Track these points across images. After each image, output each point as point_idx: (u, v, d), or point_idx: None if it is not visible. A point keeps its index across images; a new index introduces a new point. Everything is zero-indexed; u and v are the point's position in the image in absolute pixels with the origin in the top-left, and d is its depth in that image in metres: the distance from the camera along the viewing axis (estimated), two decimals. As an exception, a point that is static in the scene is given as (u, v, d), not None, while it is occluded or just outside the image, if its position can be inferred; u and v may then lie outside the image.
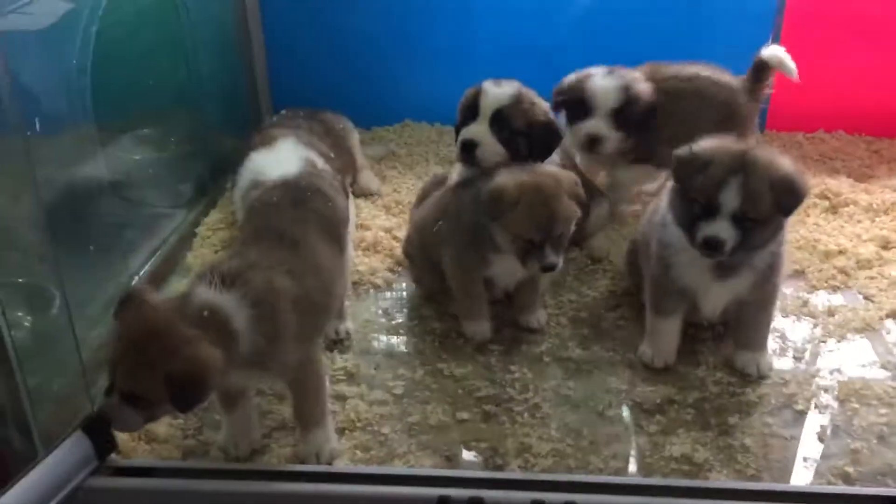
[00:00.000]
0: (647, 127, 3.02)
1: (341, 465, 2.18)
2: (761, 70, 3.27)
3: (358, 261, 3.09)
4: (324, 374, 2.22)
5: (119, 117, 2.91)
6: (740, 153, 2.22)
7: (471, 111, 2.77)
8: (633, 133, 3.04)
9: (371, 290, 3.00)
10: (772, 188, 2.18)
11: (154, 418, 1.94)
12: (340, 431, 2.29)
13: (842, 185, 3.58)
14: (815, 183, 3.49)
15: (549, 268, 2.46)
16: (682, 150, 2.32)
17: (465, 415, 2.36)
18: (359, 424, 2.33)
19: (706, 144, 2.31)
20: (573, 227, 2.53)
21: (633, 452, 2.23)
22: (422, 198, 3.09)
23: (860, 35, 3.96)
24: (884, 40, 3.97)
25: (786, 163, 2.25)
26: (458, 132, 2.82)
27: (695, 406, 2.38)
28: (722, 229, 2.20)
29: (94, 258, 2.57)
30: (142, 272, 2.84)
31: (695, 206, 2.25)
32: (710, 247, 2.21)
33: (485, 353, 2.64)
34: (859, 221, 3.33)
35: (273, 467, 2.16)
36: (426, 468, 2.16)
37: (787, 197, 2.21)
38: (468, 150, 2.73)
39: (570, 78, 3.09)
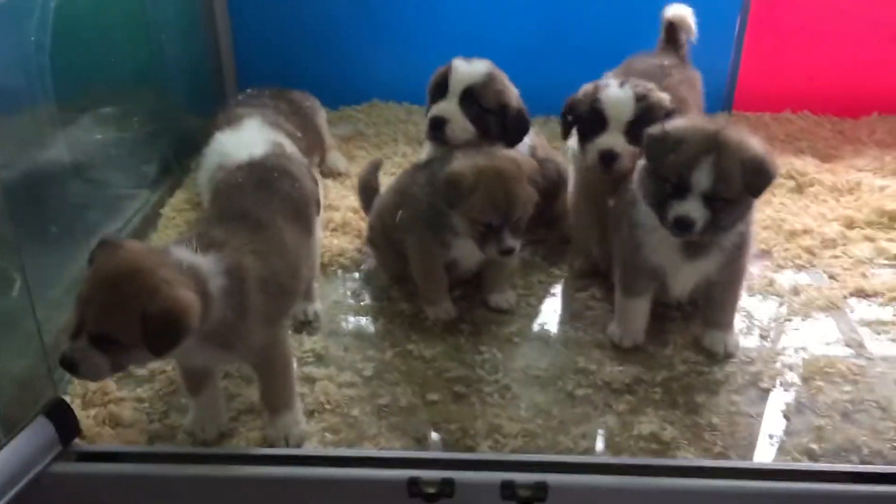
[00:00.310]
0: None
1: (310, 448, 2.16)
2: (674, 31, 3.26)
3: (326, 241, 3.05)
4: (290, 357, 2.19)
5: (80, 96, 2.84)
6: (712, 133, 2.23)
7: (440, 89, 2.74)
8: None
9: (339, 271, 2.97)
10: (742, 168, 2.19)
11: (121, 366, 1.85)
12: (309, 414, 2.27)
13: (807, 165, 3.62)
14: (782, 163, 3.48)
15: (507, 251, 2.45)
16: (654, 129, 2.32)
17: (434, 396, 2.35)
18: (328, 407, 2.31)
19: (678, 123, 2.31)
20: (531, 211, 2.51)
21: (602, 432, 2.24)
22: (363, 186, 3.09)
23: (826, 16, 4.00)
24: (849, 21, 4.01)
25: (756, 143, 2.26)
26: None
27: (663, 385, 2.39)
28: (693, 209, 2.20)
29: (55, 240, 2.51)
30: (105, 254, 2.78)
31: (666, 185, 2.25)
32: (681, 226, 2.22)
33: (454, 333, 2.63)
34: (824, 201, 3.37)
35: (241, 451, 2.14)
36: (396, 450, 2.15)
37: (757, 177, 2.22)
38: (438, 128, 2.71)
39: (582, 90, 2.72)
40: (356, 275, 2.96)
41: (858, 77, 4.09)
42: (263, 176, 2.32)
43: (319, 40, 4.12)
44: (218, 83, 4.12)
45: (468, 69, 2.72)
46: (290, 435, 2.15)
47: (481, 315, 2.72)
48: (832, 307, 2.75)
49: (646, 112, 2.57)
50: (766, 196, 3.12)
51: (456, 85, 2.71)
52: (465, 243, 2.56)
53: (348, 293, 2.86)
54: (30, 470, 1.94)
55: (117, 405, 2.30)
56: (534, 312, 2.75)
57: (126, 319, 1.74)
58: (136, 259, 1.81)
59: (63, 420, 2.04)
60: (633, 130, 2.55)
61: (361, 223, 3.17)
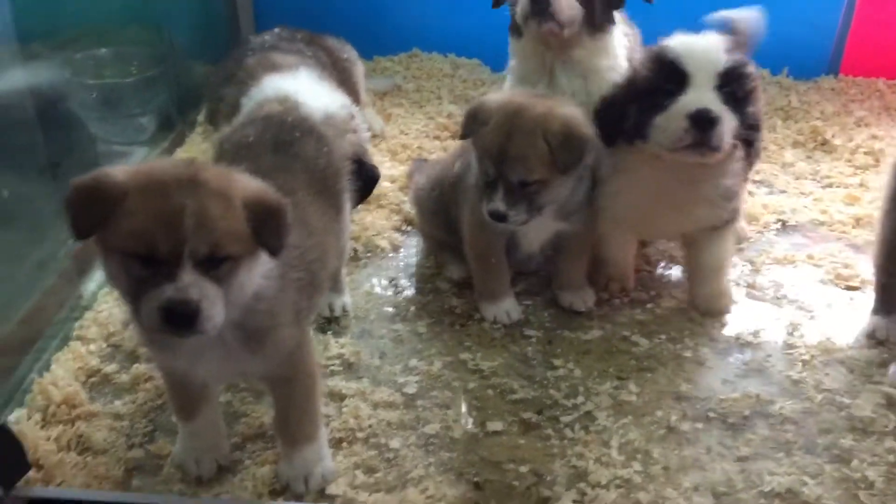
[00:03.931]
0: None
1: (338, 492, 1.66)
2: None
3: (357, 217, 2.53)
4: (317, 373, 1.68)
5: (53, 33, 2.42)
6: None
7: None
8: None
9: (374, 255, 2.45)
10: None
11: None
12: (337, 443, 1.79)
13: (934, 140, 3.05)
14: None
15: (493, 215, 1.98)
16: None
17: (497, 424, 1.84)
18: (360, 435, 1.81)
19: None
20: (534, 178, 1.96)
21: (721, 485, 1.70)
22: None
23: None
24: None
25: None
26: None
27: (794, 420, 1.85)
28: None
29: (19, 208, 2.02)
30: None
31: None
32: None
33: (518, 341, 2.12)
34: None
35: (246, 502, 1.64)
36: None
37: None
38: (543, 1, 2.30)
39: None
40: (394, 260, 2.44)
41: None
42: (281, 135, 1.84)
43: (353, -21, 3.63)
44: (232, 26, 3.64)
45: None
46: (312, 475, 1.68)
47: (552, 317, 2.21)
48: None
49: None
50: None
51: None
52: None
53: (384, 283, 2.35)
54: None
55: (87, 422, 1.82)
56: (618, 316, 2.21)
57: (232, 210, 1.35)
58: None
59: (5, 454, 1.51)
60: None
61: (401, 195, 2.68)
